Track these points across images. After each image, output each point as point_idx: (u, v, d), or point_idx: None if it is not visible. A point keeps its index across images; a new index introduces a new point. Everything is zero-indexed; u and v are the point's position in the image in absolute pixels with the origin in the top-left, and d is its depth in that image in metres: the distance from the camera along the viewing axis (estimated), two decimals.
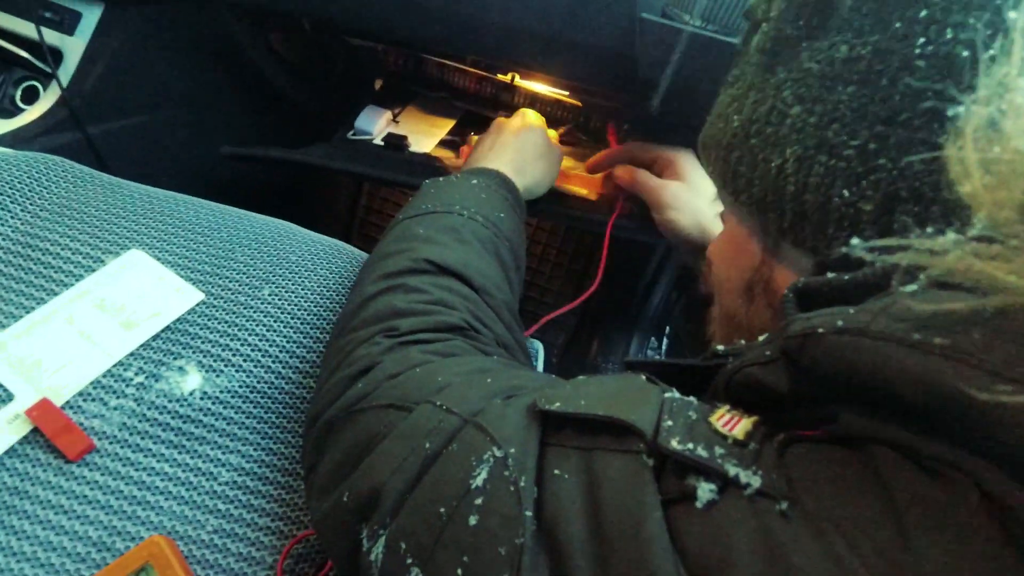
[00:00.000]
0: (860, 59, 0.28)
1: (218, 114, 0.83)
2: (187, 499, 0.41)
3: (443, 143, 0.82)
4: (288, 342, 0.48)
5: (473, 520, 0.25)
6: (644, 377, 0.29)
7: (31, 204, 0.51)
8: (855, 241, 0.24)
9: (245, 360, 0.46)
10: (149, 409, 0.43)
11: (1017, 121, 0.20)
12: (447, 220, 0.46)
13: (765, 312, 0.35)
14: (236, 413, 0.45)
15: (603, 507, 0.23)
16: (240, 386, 0.45)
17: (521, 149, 0.59)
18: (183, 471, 0.42)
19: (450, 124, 0.85)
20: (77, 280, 0.48)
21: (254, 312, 0.49)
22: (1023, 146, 0.19)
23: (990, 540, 0.17)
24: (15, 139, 0.64)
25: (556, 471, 0.25)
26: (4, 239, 0.49)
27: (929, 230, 0.22)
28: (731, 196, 0.34)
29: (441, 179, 0.52)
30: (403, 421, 0.31)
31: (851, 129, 0.28)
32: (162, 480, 0.41)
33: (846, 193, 0.28)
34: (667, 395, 0.26)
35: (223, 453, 0.43)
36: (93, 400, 0.43)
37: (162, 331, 0.47)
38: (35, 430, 0.41)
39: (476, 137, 0.79)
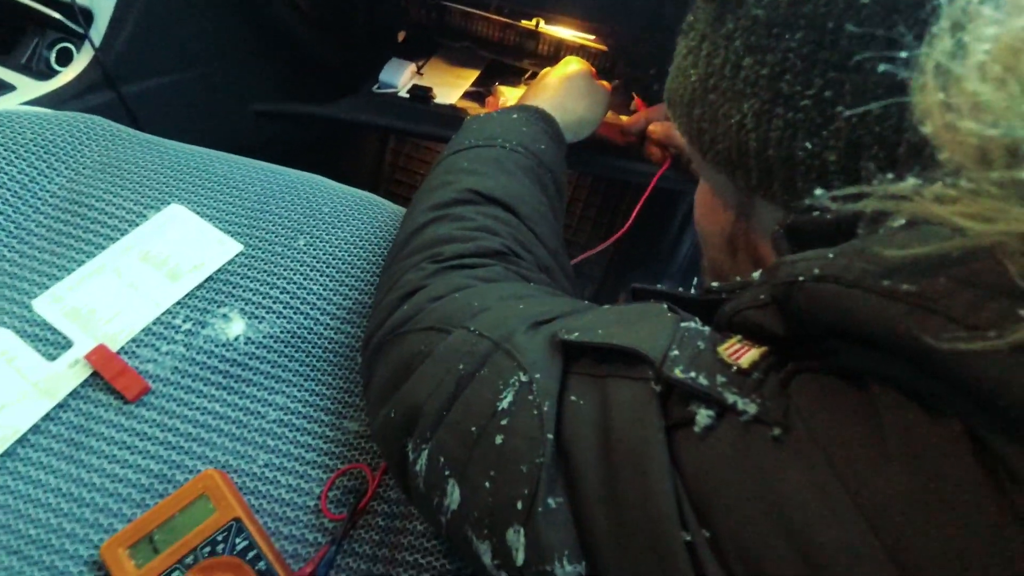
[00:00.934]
0: (804, 2, 0.27)
1: (247, 72, 0.84)
2: (238, 436, 0.44)
3: (468, 94, 0.82)
4: (324, 290, 0.50)
5: (499, 439, 0.27)
6: (666, 307, 0.30)
7: (74, 163, 0.53)
8: (818, 192, 0.24)
9: (284, 307, 0.48)
10: (198, 354, 0.46)
11: (976, 56, 0.19)
12: (490, 152, 0.47)
13: (748, 266, 0.35)
14: (279, 357, 0.47)
15: (613, 430, 0.24)
16: (281, 332, 0.47)
17: (563, 88, 0.59)
18: (233, 410, 0.44)
19: (475, 75, 0.84)
20: (122, 235, 0.50)
21: (291, 262, 0.50)
22: (981, 85, 0.19)
23: (966, 476, 0.18)
24: (51, 101, 0.66)
25: (574, 397, 0.27)
26: (52, 196, 0.51)
27: (890, 176, 0.21)
28: (699, 153, 0.34)
29: (482, 115, 0.53)
30: (441, 344, 0.33)
31: (804, 78, 0.27)
32: (214, 419, 0.44)
33: (808, 145, 0.28)
34: (683, 324, 0.27)
35: (269, 394, 0.45)
36: (145, 346, 0.46)
37: (205, 281, 0.49)
38: (95, 374, 0.44)
39: (501, 87, 0.78)
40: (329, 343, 0.48)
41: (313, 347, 0.48)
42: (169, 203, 0.52)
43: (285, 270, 0.50)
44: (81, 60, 0.68)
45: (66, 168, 0.52)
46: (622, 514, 0.23)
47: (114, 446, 0.42)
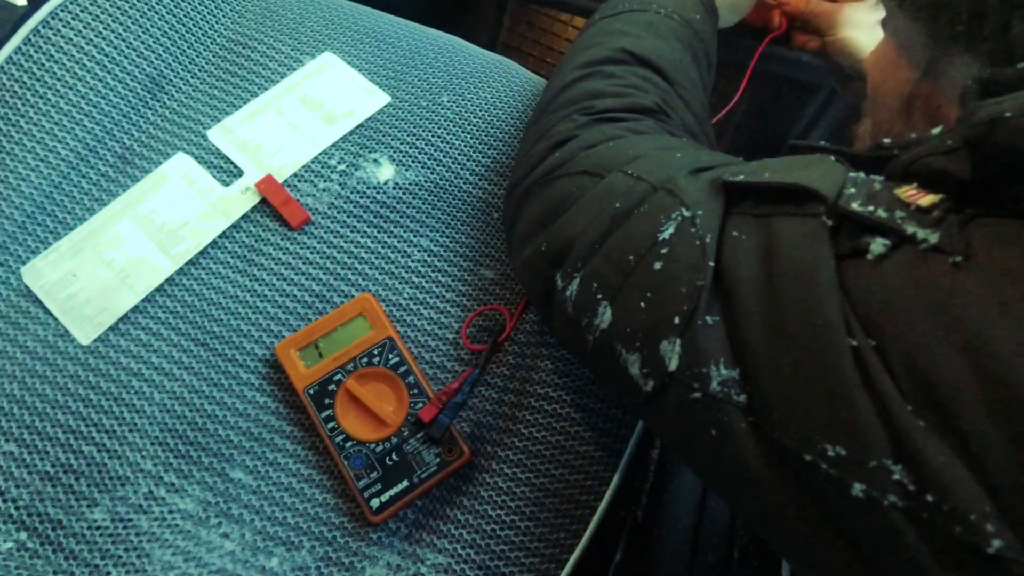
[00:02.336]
0: None
1: None
2: (386, 270, 0.48)
3: None
4: (465, 146, 0.52)
5: (658, 265, 0.29)
6: (833, 157, 0.29)
7: (237, 5, 0.55)
8: (1016, 31, 0.23)
9: (429, 159, 0.51)
10: (351, 193, 0.49)
11: None
12: (644, 17, 0.46)
13: (925, 127, 0.34)
14: (423, 204, 0.50)
15: (777, 255, 0.25)
16: (425, 180, 0.50)
17: None
18: (382, 247, 0.48)
19: None
20: (281, 77, 0.53)
21: (435, 116, 0.52)
22: None
23: None
24: None
25: (736, 233, 0.28)
26: (219, 36, 0.54)
27: None
28: (894, 0, 0.32)
29: None
30: (596, 185, 0.35)
31: None
32: (366, 252, 0.48)
33: None
34: (852, 174, 0.27)
35: (414, 236, 0.49)
36: (305, 181, 0.50)
37: (357, 127, 0.52)
38: (263, 201, 0.49)
39: None
40: (468, 196, 0.51)
41: (454, 198, 0.51)
42: (323, 51, 0.55)
43: (430, 123, 0.52)
44: None
45: (230, 10, 0.55)
46: (783, 328, 0.24)
47: (280, 266, 0.47)
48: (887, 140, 0.30)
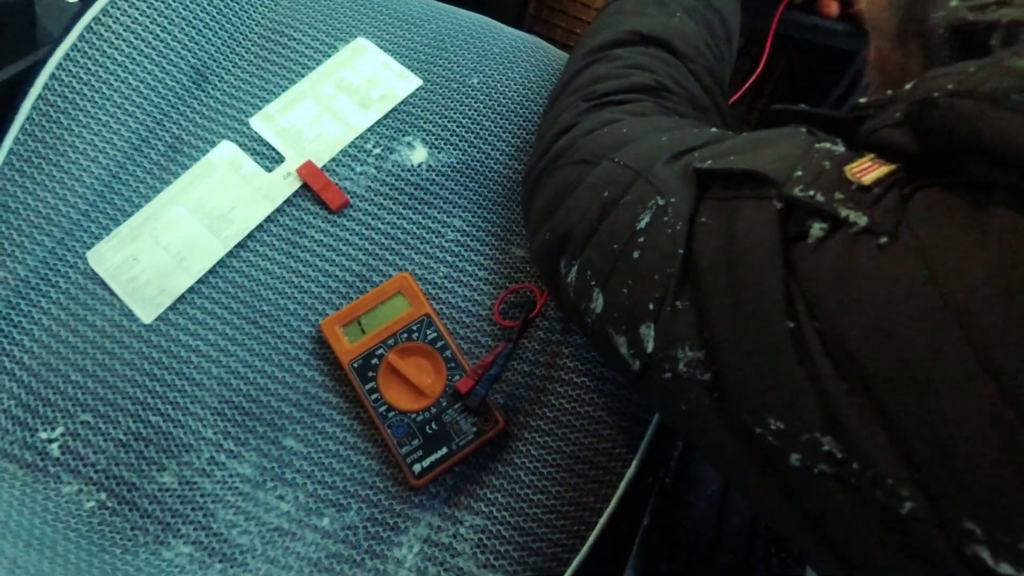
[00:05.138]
0: None
1: None
2: (421, 250, 0.50)
3: None
4: (495, 127, 0.53)
5: (636, 254, 0.31)
6: (804, 129, 0.30)
7: None
8: (953, 3, 0.23)
9: (461, 140, 0.53)
10: (387, 176, 0.51)
11: None
12: None
13: (919, 56, 0.33)
14: (455, 185, 0.52)
15: (736, 241, 0.27)
16: (457, 162, 0.52)
17: None
18: (417, 228, 0.51)
19: None
20: (317, 64, 0.55)
21: (466, 98, 0.54)
22: None
23: None
24: None
25: (704, 219, 0.29)
26: (256, 24, 0.56)
27: None
28: None
29: None
30: (590, 174, 0.36)
31: None
32: (402, 233, 0.50)
33: None
34: (818, 146, 0.28)
35: (447, 216, 0.51)
36: (343, 166, 0.52)
37: (391, 111, 0.53)
38: (304, 186, 0.51)
39: None
40: (499, 176, 0.52)
41: (485, 179, 0.52)
42: (356, 36, 0.56)
43: (461, 105, 0.53)
44: None
45: None
46: (739, 309, 0.26)
47: (323, 247, 0.50)
48: (863, 100, 0.30)
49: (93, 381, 0.44)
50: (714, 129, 0.36)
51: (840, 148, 0.28)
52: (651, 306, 0.29)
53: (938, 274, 0.21)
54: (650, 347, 0.30)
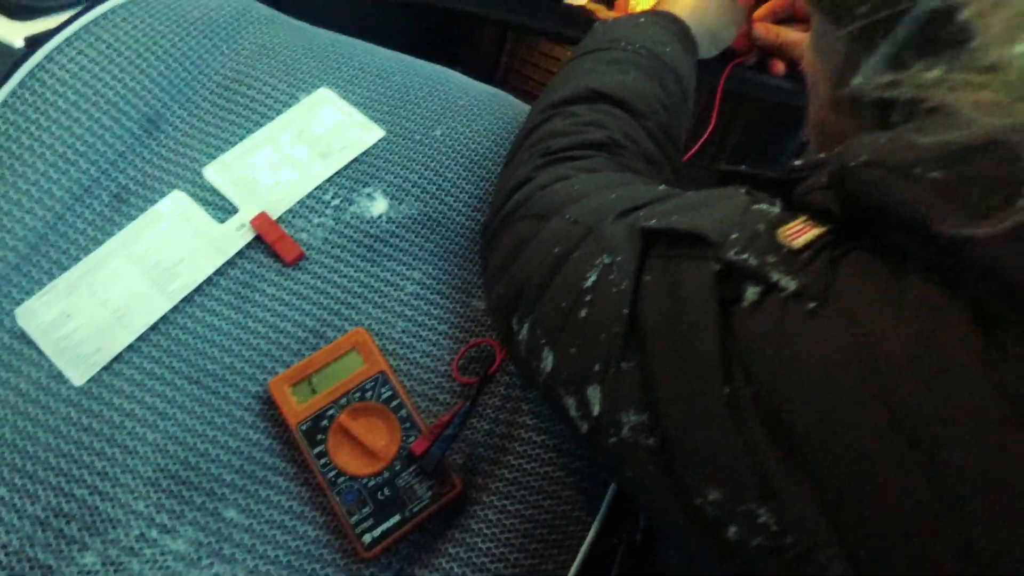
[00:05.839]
0: None
1: None
2: (379, 303, 0.48)
3: None
4: (458, 178, 0.52)
5: (583, 313, 0.30)
6: (743, 190, 0.31)
7: (235, 43, 0.56)
8: (856, 80, 0.25)
9: (422, 192, 0.51)
10: (345, 228, 0.50)
11: None
12: (611, 54, 0.48)
13: (852, 121, 0.34)
14: (416, 236, 0.50)
15: (678, 302, 0.27)
16: (418, 213, 0.51)
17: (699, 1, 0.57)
18: (375, 281, 0.48)
19: None
20: (277, 113, 0.54)
21: (429, 150, 0.53)
22: None
23: (964, 341, 0.19)
24: None
25: (648, 277, 0.29)
26: (216, 74, 0.55)
27: (919, 65, 0.22)
28: None
29: (610, 20, 0.53)
30: (543, 229, 0.36)
31: None
32: (359, 286, 0.48)
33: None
34: (755, 207, 0.28)
35: (407, 269, 0.49)
36: (299, 217, 0.50)
37: (351, 162, 0.52)
38: (257, 238, 0.49)
39: None
40: (461, 228, 0.51)
41: (446, 230, 0.51)
42: (318, 87, 0.55)
43: (423, 156, 0.52)
44: None
45: (228, 48, 0.56)
46: (679, 371, 0.26)
47: (275, 302, 0.47)
48: (797, 163, 0.31)
49: (11, 451, 0.41)
50: (663, 187, 0.36)
51: (775, 210, 0.28)
52: (597, 367, 0.29)
53: (862, 344, 0.21)
54: (596, 410, 0.29)
